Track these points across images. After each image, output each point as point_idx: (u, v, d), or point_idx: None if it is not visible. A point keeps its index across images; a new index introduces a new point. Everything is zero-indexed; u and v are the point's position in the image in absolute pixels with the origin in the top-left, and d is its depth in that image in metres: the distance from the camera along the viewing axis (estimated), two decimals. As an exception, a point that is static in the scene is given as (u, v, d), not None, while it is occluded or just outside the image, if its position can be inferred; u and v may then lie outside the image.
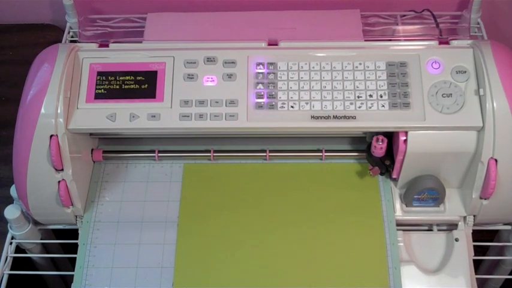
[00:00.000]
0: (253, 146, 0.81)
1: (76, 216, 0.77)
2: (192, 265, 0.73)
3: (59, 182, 0.72)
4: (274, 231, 0.75)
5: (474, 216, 0.75)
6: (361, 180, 0.78)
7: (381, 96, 0.72)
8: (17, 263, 0.77)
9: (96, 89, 0.73)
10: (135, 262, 0.73)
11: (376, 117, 0.71)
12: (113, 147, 0.81)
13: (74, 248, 0.75)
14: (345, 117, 0.71)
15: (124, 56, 0.75)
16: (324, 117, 0.71)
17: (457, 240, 0.74)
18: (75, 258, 0.74)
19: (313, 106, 0.71)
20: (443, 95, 0.71)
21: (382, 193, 0.77)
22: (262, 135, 0.81)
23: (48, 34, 1.04)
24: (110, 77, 0.73)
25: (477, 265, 0.84)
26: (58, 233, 0.83)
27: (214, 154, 0.80)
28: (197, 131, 0.75)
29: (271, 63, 0.73)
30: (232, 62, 0.73)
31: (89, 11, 0.88)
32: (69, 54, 0.73)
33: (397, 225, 0.75)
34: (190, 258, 0.73)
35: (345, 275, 0.72)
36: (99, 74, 0.74)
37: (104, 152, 0.80)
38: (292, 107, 0.71)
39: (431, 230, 0.77)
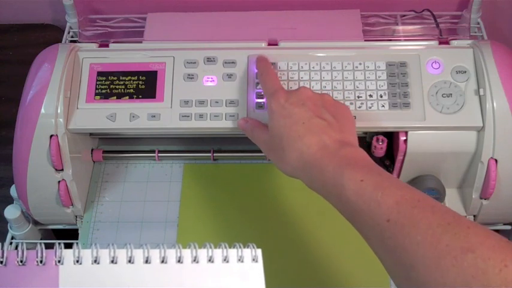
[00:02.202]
0: (254, 146, 0.81)
1: (76, 216, 0.77)
2: (192, 265, 0.73)
3: (59, 182, 0.72)
4: (274, 231, 0.75)
5: (474, 216, 0.75)
6: (361, 180, 0.78)
7: (381, 96, 0.72)
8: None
9: (96, 89, 0.73)
10: (135, 262, 0.73)
11: (376, 117, 0.71)
12: (113, 147, 0.81)
13: (74, 248, 0.75)
14: (345, 117, 0.71)
15: (124, 56, 0.75)
16: (324, 117, 0.71)
17: (457, 240, 0.74)
18: (75, 258, 0.74)
19: (313, 106, 0.71)
20: (443, 95, 0.71)
21: (382, 193, 0.77)
22: (262, 135, 0.81)
23: (48, 34, 1.04)
24: (110, 77, 0.73)
25: (477, 265, 0.84)
26: (58, 233, 0.83)
27: (214, 154, 0.80)
28: (197, 131, 0.75)
29: (271, 63, 0.73)
30: (232, 62, 0.73)
31: (89, 11, 0.88)
32: (69, 54, 0.73)
33: (397, 225, 0.75)
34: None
35: (345, 275, 0.72)
36: (99, 74, 0.74)
37: (104, 152, 0.80)
38: (292, 107, 0.71)
39: (431, 230, 0.77)
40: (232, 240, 0.74)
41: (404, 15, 0.87)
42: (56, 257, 0.45)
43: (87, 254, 0.45)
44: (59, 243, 0.45)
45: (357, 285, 0.71)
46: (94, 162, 0.81)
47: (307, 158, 0.59)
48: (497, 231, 0.82)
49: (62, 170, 0.72)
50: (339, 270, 0.72)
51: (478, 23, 0.90)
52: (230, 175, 0.79)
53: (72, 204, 0.75)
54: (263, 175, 0.79)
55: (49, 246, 0.82)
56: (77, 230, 0.77)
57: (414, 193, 0.53)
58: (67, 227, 0.79)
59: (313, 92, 0.65)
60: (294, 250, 0.74)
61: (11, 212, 0.74)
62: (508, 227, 0.79)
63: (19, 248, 0.45)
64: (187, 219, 0.76)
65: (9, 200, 0.76)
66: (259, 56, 0.72)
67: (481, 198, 0.72)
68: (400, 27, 0.85)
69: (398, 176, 0.76)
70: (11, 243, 0.77)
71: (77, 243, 0.45)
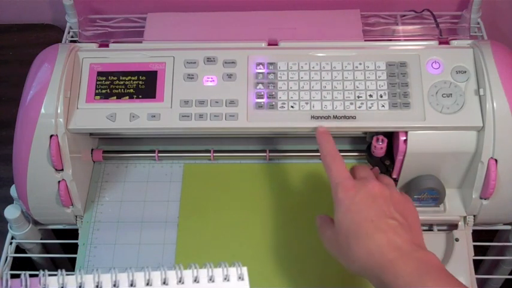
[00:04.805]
0: (253, 146, 0.81)
1: (76, 216, 0.77)
2: (192, 265, 0.73)
3: (59, 182, 0.72)
4: (274, 231, 0.75)
5: (474, 216, 0.75)
6: (361, 180, 0.78)
7: (381, 96, 0.72)
8: (17, 263, 0.77)
9: (96, 89, 0.73)
10: (135, 262, 0.73)
11: (376, 117, 0.71)
12: (113, 147, 0.81)
13: (74, 248, 0.75)
14: (345, 117, 0.71)
15: (124, 56, 0.75)
16: (324, 117, 0.71)
17: (457, 240, 0.74)
18: (75, 258, 0.74)
19: (313, 106, 0.71)
20: (443, 95, 0.71)
21: (382, 193, 0.77)
22: (262, 135, 0.81)
23: (48, 34, 1.04)
24: (110, 77, 0.73)
25: (477, 265, 0.84)
26: (58, 233, 0.83)
27: (214, 154, 0.80)
28: (197, 131, 0.75)
29: (271, 63, 0.73)
30: (232, 62, 0.73)
31: (89, 11, 0.88)
32: (69, 54, 0.73)
33: (397, 225, 0.75)
34: (190, 258, 0.73)
35: (345, 275, 0.72)
36: (99, 74, 0.74)
37: (104, 152, 0.80)
38: (292, 107, 0.71)
39: (432, 230, 0.77)
40: (233, 240, 0.74)
41: (404, 15, 0.87)
42: (40, 284, 0.45)
43: (71, 281, 0.45)
44: (44, 272, 0.45)
45: (357, 285, 0.71)
46: (94, 162, 0.81)
47: (378, 259, 0.57)
48: (497, 231, 0.82)
49: (62, 170, 0.72)
50: (339, 269, 0.72)
51: (478, 23, 0.90)
52: (230, 175, 0.79)
53: (72, 204, 0.75)
54: (263, 175, 0.79)
55: (49, 246, 0.82)
56: (77, 230, 0.77)
57: None
58: (67, 227, 0.79)
59: (382, 186, 0.62)
60: (294, 249, 0.74)
61: (11, 212, 0.74)
62: (508, 227, 0.79)
63: (3, 277, 0.45)
64: (187, 219, 0.76)
65: (9, 200, 0.76)
66: (322, 133, 0.68)
67: (481, 198, 0.72)
68: (400, 27, 0.85)
69: (398, 176, 0.76)
70: (11, 243, 0.77)
71: (60, 270, 0.45)
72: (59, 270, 0.45)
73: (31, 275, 0.46)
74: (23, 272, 0.46)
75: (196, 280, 0.45)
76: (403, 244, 0.58)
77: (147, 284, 0.45)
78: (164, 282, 0.45)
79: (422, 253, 0.58)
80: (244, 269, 0.46)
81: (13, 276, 0.46)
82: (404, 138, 0.72)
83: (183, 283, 0.45)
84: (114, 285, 0.45)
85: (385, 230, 0.58)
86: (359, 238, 0.59)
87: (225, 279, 0.46)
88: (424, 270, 0.55)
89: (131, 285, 0.45)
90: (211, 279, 0.46)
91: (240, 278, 0.46)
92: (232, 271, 0.46)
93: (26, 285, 0.45)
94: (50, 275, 0.46)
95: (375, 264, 0.57)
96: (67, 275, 0.45)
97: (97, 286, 0.45)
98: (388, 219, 0.59)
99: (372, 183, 0.62)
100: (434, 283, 0.54)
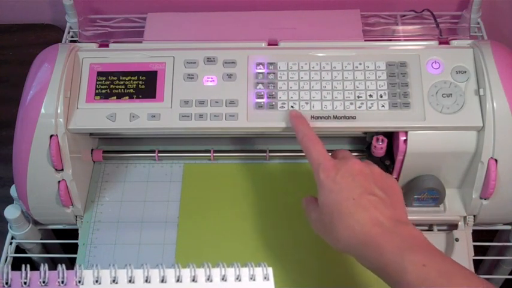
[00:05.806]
0: (253, 146, 0.81)
1: (76, 216, 0.77)
2: (192, 265, 0.73)
3: (59, 182, 0.72)
4: (275, 231, 0.75)
5: (474, 216, 0.75)
6: (361, 180, 0.78)
7: (381, 96, 0.72)
8: (17, 263, 0.77)
9: (96, 89, 0.73)
10: (135, 262, 0.73)
11: (376, 117, 0.71)
12: (113, 147, 0.81)
13: (74, 248, 0.75)
14: (345, 117, 0.71)
15: (124, 56, 0.75)
16: (324, 117, 0.71)
17: (457, 240, 0.74)
18: (75, 258, 0.74)
19: (313, 106, 0.71)
20: (443, 95, 0.71)
21: (382, 193, 0.77)
22: (262, 135, 0.81)
23: (48, 34, 1.04)
24: (110, 77, 0.73)
25: (477, 265, 0.84)
26: (58, 233, 0.83)
27: (214, 154, 0.80)
28: (197, 131, 0.75)
29: (271, 63, 0.73)
30: (232, 62, 0.73)
31: (89, 11, 0.88)
32: (69, 54, 0.73)
33: (397, 225, 0.75)
34: (190, 258, 0.73)
35: (345, 275, 0.72)
36: (99, 74, 0.74)
37: (104, 152, 0.80)
38: (292, 107, 0.71)
39: (432, 230, 0.77)
40: (233, 240, 0.74)
41: (404, 15, 0.87)
42: (76, 277, 0.47)
43: (105, 274, 0.47)
44: (80, 265, 0.47)
45: (358, 285, 0.71)
46: (94, 162, 0.81)
47: (361, 236, 0.58)
48: (497, 231, 0.82)
49: (62, 170, 0.72)
50: (339, 269, 0.72)
51: (478, 23, 0.90)
52: (230, 175, 0.79)
53: (72, 204, 0.75)
54: (263, 175, 0.79)
55: (49, 246, 0.82)
56: (77, 230, 0.77)
57: (480, 281, 0.52)
58: (67, 227, 0.79)
59: (362, 164, 0.62)
60: (295, 249, 0.74)
61: (11, 212, 0.74)
62: (508, 227, 0.79)
63: (41, 269, 0.47)
64: (187, 219, 0.76)
65: (9, 200, 0.76)
66: (295, 117, 0.69)
67: (481, 198, 0.72)
68: (400, 27, 0.85)
69: (398, 176, 0.76)
70: (11, 243, 0.77)
71: (96, 265, 0.47)
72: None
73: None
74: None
75: (224, 279, 0.47)
76: (385, 220, 0.58)
77: (177, 281, 0.47)
78: (193, 280, 0.47)
79: (405, 228, 0.58)
80: (270, 270, 0.48)
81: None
82: (404, 138, 0.72)
83: (211, 281, 0.47)
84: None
85: (366, 206, 0.59)
86: (342, 217, 0.59)
87: (251, 278, 0.47)
88: (406, 246, 0.56)
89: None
90: (238, 279, 0.47)
91: (266, 278, 0.48)
92: (258, 271, 0.48)
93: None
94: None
95: (358, 242, 0.58)
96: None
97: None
98: (369, 196, 0.59)
99: (351, 161, 0.62)
100: (417, 258, 0.54)
